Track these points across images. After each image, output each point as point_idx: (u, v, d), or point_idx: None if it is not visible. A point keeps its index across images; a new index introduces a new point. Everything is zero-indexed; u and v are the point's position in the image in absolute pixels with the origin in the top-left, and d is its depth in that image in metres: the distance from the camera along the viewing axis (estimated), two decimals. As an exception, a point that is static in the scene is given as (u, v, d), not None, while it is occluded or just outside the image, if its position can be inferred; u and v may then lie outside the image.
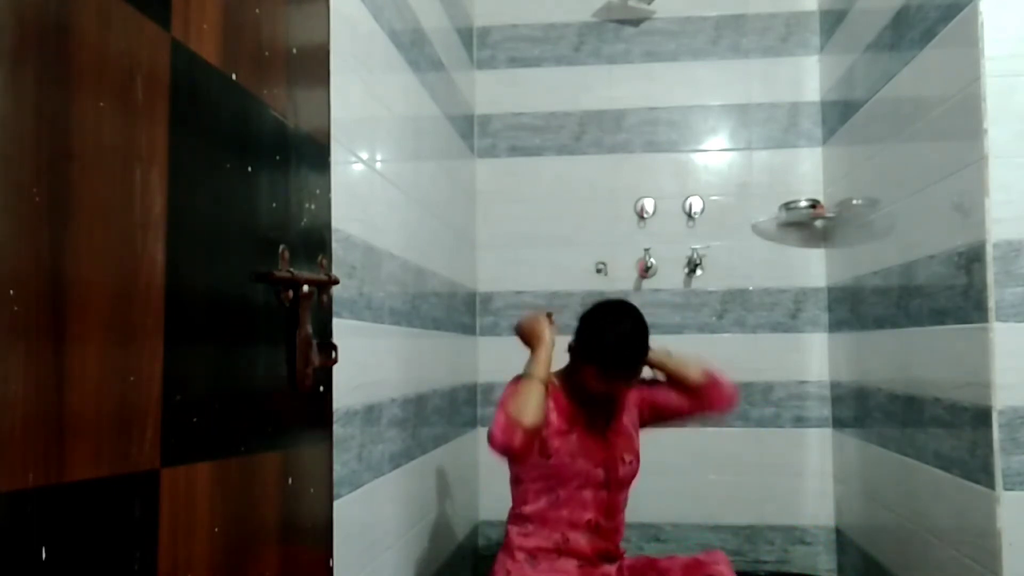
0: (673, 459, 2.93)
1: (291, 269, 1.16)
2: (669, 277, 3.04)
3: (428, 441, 2.25)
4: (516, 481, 1.92)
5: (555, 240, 3.09)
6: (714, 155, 3.09)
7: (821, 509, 2.94)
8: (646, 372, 1.95)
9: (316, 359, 1.21)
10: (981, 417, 1.68)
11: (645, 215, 3.07)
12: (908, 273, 2.13)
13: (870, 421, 2.49)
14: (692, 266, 3.00)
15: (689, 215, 3.05)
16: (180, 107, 0.91)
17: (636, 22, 3.13)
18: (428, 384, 2.28)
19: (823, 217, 2.87)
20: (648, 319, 1.93)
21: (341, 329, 1.48)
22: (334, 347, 1.30)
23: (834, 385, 2.92)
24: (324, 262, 1.32)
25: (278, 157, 1.17)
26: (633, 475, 1.94)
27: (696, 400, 1.95)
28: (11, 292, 0.66)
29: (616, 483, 1.91)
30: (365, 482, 1.66)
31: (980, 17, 1.69)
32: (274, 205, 1.14)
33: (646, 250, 3.02)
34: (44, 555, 0.69)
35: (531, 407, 1.73)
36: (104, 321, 0.78)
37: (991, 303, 1.65)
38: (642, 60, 3.12)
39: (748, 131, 3.07)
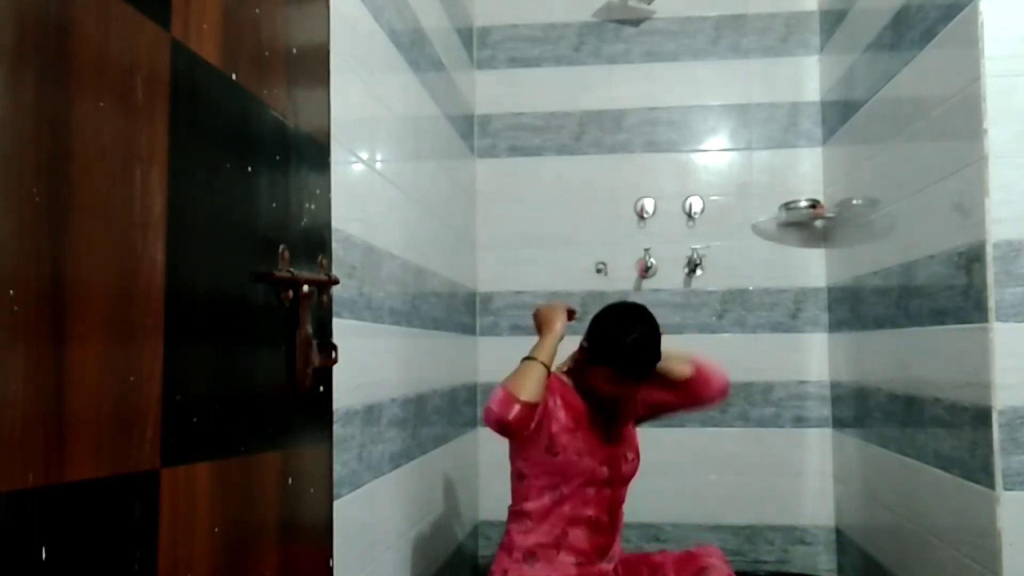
0: (673, 459, 2.93)
1: (291, 269, 1.16)
2: (669, 277, 3.04)
3: (428, 441, 2.25)
4: (519, 477, 1.92)
5: (555, 240, 3.09)
6: (714, 155, 3.09)
7: (821, 509, 2.94)
8: None
9: (316, 359, 1.21)
10: (981, 417, 1.68)
11: (645, 215, 3.07)
12: (908, 273, 2.13)
13: (870, 421, 2.49)
14: (692, 266, 3.00)
15: (689, 215, 3.05)
16: (180, 107, 0.91)
17: (636, 22, 3.13)
18: (428, 384, 2.28)
19: (823, 217, 2.87)
20: (649, 319, 1.93)
21: (341, 329, 1.48)
22: (334, 347, 1.30)
23: (834, 385, 2.92)
24: (324, 262, 1.32)
25: (278, 157, 1.17)
26: (634, 472, 1.95)
27: (685, 394, 1.94)
28: (11, 292, 0.66)
29: (619, 480, 1.92)
30: (365, 482, 1.66)
31: (980, 17, 1.69)
32: (274, 205, 1.14)
33: (646, 250, 3.02)
34: (44, 555, 0.69)
35: (530, 384, 1.76)
36: (104, 321, 0.78)
37: (991, 303, 1.65)
38: (642, 60, 3.12)
39: (748, 131, 3.07)
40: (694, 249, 3.00)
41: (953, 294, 1.83)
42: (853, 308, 2.65)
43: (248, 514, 1.06)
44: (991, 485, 1.64)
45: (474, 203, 3.11)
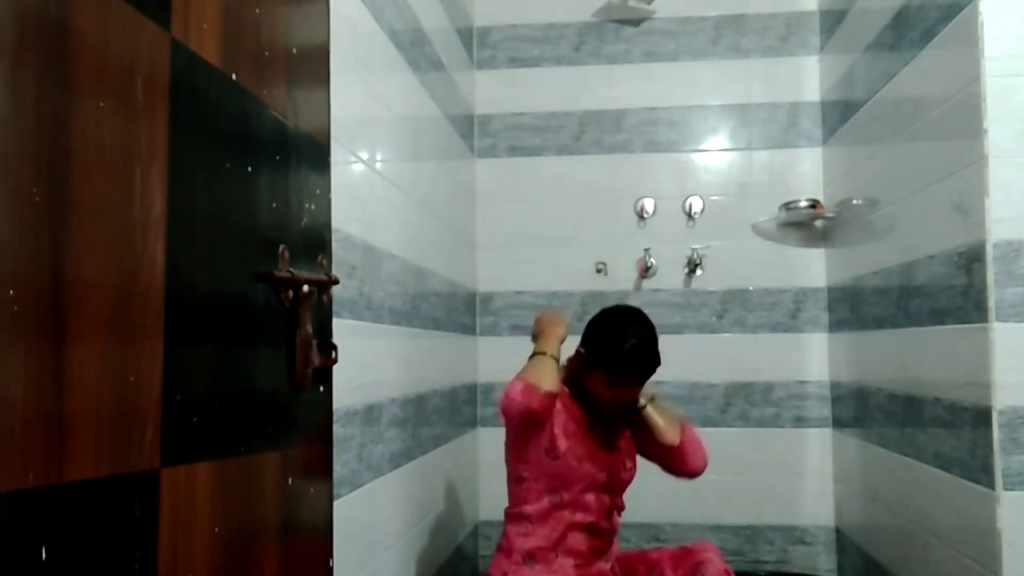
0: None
1: (291, 269, 1.16)
2: (669, 277, 3.04)
3: (428, 441, 2.25)
4: (518, 480, 1.92)
5: (555, 240, 3.09)
6: (714, 155, 3.09)
7: (821, 509, 2.94)
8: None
9: (316, 359, 1.21)
10: (981, 417, 1.68)
11: (645, 215, 3.07)
12: (908, 273, 2.13)
13: (870, 421, 2.49)
14: (692, 266, 3.00)
15: (689, 215, 3.05)
16: (180, 107, 0.91)
17: (636, 22, 3.13)
18: (428, 384, 2.28)
19: (823, 217, 2.87)
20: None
21: (341, 329, 1.48)
22: (334, 347, 1.30)
23: (834, 385, 2.92)
24: (324, 262, 1.32)
25: (278, 157, 1.17)
26: (632, 479, 1.96)
27: (662, 457, 1.95)
28: (11, 292, 0.66)
29: (618, 487, 1.93)
30: (365, 482, 1.66)
31: (980, 17, 1.69)
32: (274, 205, 1.14)
33: (646, 250, 3.02)
34: (44, 555, 0.69)
35: (547, 375, 1.81)
36: (104, 321, 0.78)
37: (991, 303, 1.65)
38: (642, 60, 3.12)
39: (748, 131, 3.07)
40: (694, 249, 3.00)
41: (953, 294, 1.83)
42: (853, 308, 2.65)
43: (248, 514, 1.06)
44: (991, 485, 1.64)
45: (474, 203, 3.11)
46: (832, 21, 2.88)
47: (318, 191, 1.32)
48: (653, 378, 1.93)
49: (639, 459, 1.99)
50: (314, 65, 1.35)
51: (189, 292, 0.92)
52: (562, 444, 1.84)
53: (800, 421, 2.97)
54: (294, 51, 1.25)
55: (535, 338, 1.97)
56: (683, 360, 2.86)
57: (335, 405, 1.42)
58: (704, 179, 3.08)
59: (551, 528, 1.86)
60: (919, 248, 2.04)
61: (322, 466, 1.33)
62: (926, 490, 2.02)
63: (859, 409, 2.61)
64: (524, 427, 1.83)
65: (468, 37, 3.08)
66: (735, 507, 2.97)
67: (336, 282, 1.30)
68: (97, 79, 0.77)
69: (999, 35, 1.68)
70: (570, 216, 3.09)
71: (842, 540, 2.87)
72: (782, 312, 3.00)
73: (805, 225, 2.94)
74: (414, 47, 2.19)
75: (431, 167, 2.40)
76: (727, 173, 3.07)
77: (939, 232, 1.91)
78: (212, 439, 0.97)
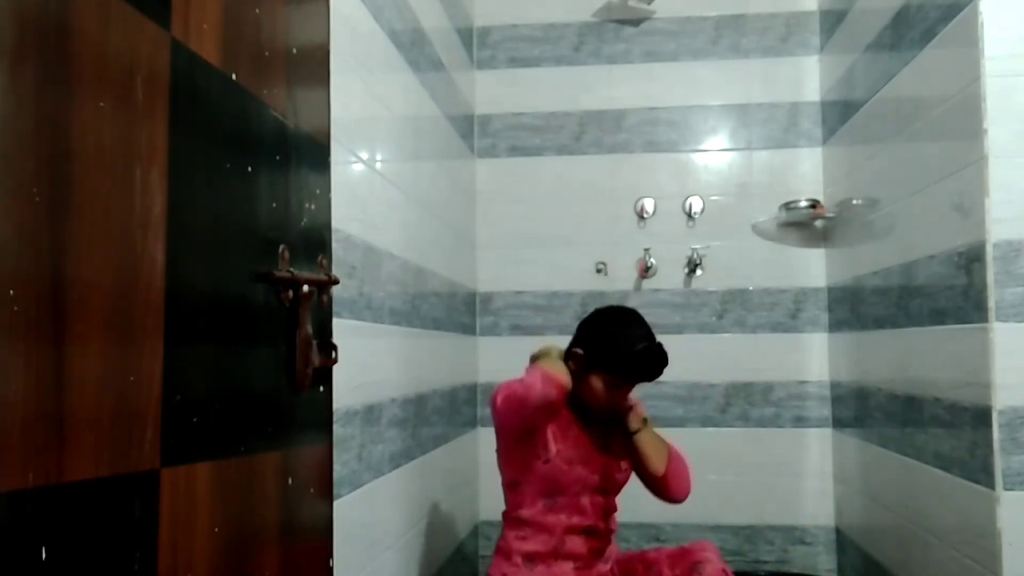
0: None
1: (291, 269, 1.16)
2: (669, 277, 3.04)
3: (428, 441, 2.25)
4: (512, 485, 1.93)
5: (555, 240, 3.09)
6: (714, 155, 3.09)
7: (821, 509, 2.94)
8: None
9: (316, 359, 1.21)
10: (981, 417, 1.68)
11: (645, 215, 3.07)
12: (908, 273, 2.13)
13: (870, 421, 2.49)
14: (692, 266, 3.00)
15: (689, 215, 3.05)
16: (180, 107, 0.91)
17: (636, 22, 3.13)
18: (428, 384, 2.28)
19: (823, 217, 2.87)
20: (648, 319, 1.94)
21: (341, 329, 1.48)
22: (334, 347, 1.30)
23: (834, 385, 2.92)
24: (324, 262, 1.32)
25: (278, 157, 1.17)
26: (626, 481, 1.97)
27: (644, 480, 1.97)
28: (11, 292, 0.66)
29: (613, 489, 1.93)
30: (365, 482, 1.65)
31: (980, 17, 1.69)
32: (274, 205, 1.14)
33: (646, 250, 3.02)
34: (44, 555, 0.69)
35: (563, 370, 1.82)
36: (104, 321, 0.78)
37: (991, 303, 1.65)
38: (642, 60, 3.12)
39: (748, 131, 3.07)
40: (694, 249, 3.00)
41: (953, 294, 1.83)
42: (853, 308, 2.65)
43: (248, 514, 1.06)
44: (991, 485, 1.64)
45: (474, 203, 3.11)
46: (832, 21, 2.88)
47: (318, 191, 1.32)
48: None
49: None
50: (314, 65, 1.35)
51: (189, 292, 0.92)
52: (552, 448, 1.84)
53: (800, 421, 2.97)
54: (294, 51, 1.25)
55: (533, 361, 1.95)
56: (683, 360, 2.84)
57: (335, 405, 1.41)
58: (704, 179, 3.08)
59: (548, 532, 1.86)
60: (919, 248, 2.04)
61: (322, 466, 1.33)
62: (926, 490, 2.02)
63: (859, 409, 2.61)
64: (540, 416, 1.81)
65: (468, 37, 3.08)
66: (735, 507, 2.97)
67: (336, 282, 1.30)
68: (97, 79, 0.77)
69: (999, 35, 1.68)
70: (570, 216, 3.09)
71: (842, 540, 2.87)
72: (782, 312, 3.00)
73: (805, 225, 2.94)
74: (414, 47, 2.19)
75: (431, 167, 2.40)
76: (727, 173, 3.07)
77: (939, 232, 1.91)
78: (212, 439, 0.97)
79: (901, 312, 2.19)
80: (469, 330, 2.96)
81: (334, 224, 1.41)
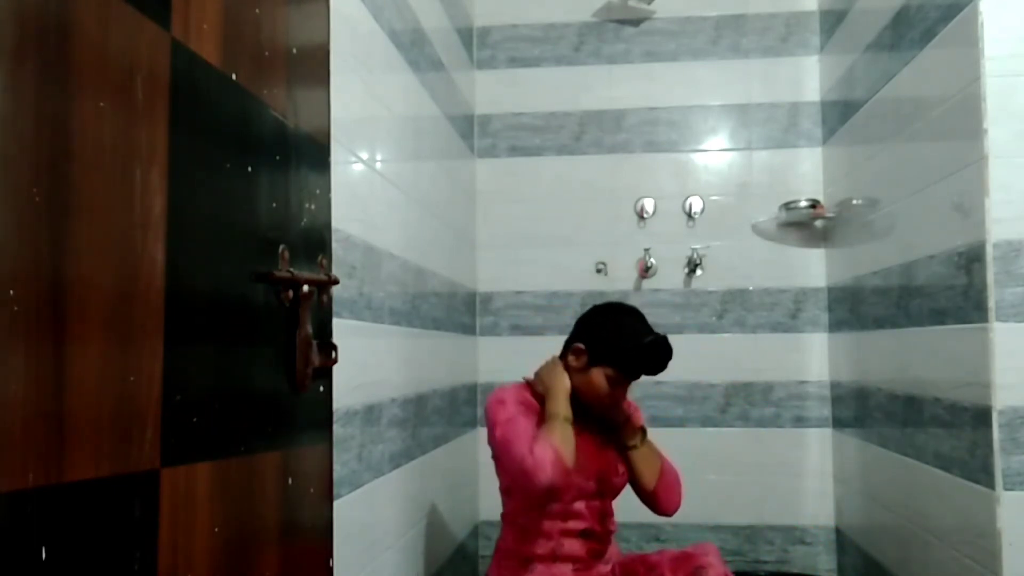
0: (673, 459, 2.91)
1: (291, 269, 1.16)
2: (669, 277, 3.04)
3: (428, 441, 2.25)
4: (508, 490, 1.93)
5: (555, 240, 3.09)
6: (714, 155, 3.09)
7: (821, 509, 2.94)
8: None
9: (316, 359, 1.21)
10: (981, 417, 1.68)
11: (645, 215, 3.07)
12: (908, 273, 2.13)
13: (870, 421, 2.49)
14: (692, 266, 3.00)
15: (689, 215, 3.05)
16: (180, 107, 0.91)
17: (636, 22, 3.13)
18: (428, 384, 2.28)
19: (823, 217, 2.87)
20: (648, 319, 1.94)
21: (341, 329, 1.48)
22: (334, 347, 1.30)
23: (834, 385, 2.92)
24: (324, 262, 1.32)
25: (278, 157, 1.17)
26: (624, 485, 1.96)
27: (636, 491, 1.97)
28: (11, 292, 0.66)
29: (610, 492, 1.93)
30: (365, 482, 1.65)
31: (980, 17, 1.69)
32: (274, 205, 1.14)
33: (646, 250, 3.02)
34: (44, 555, 0.69)
35: (570, 448, 1.76)
36: (104, 321, 0.78)
37: (991, 303, 1.65)
38: (642, 60, 3.12)
39: (748, 131, 3.07)
40: (694, 249, 3.00)
41: (953, 294, 1.83)
42: (853, 308, 2.65)
43: (248, 514, 1.06)
44: (991, 485, 1.64)
45: (474, 203, 3.11)
46: (832, 21, 2.88)
47: (318, 191, 1.32)
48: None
49: None
50: (314, 65, 1.35)
51: (189, 292, 0.92)
52: None
53: (800, 421, 2.97)
54: (294, 51, 1.25)
55: (539, 379, 1.93)
56: (683, 360, 2.81)
57: (335, 405, 1.42)
58: (704, 179, 3.08)
59: (546, 536, 1.86)
60: (919, 248, 2.04)
61: (322, 466, 1.33)
62: (926, 490, 2.02)
63: (859, 409, 2.61)
64: (544, 499, 1.80)
65: (468, 37, 3.08)
66: (735, 507, 2.97)
67: (336, 282, 1.30)
68: (97, 79, 0.77)
69: (999, 35, 1.68)
70: (570, 216, 3.09)
71: (842, 540, 2.87)
72: (782, 312, 3.00)
73: (805, 225, 2.94)
74: (414, 47, 2.19)
75: (431, 167, 2.40)
76: (727, 173, 3.07)
77: (939, 232, 1.91)
78: (212, 439, 0.97)
79: (901, 312, 2.19)
80: (469, 330, 2.96)
81: (334, 224, 1.41)
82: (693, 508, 2.98)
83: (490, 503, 2.97)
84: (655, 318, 1.91)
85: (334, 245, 1.42)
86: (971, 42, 1.71)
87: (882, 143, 2.35)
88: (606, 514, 1.92)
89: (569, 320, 2.95)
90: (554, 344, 2.03)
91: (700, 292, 3.03)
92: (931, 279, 1.96)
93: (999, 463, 1.63)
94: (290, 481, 1.18)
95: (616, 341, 1.83)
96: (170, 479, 0.87)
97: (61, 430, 0.71)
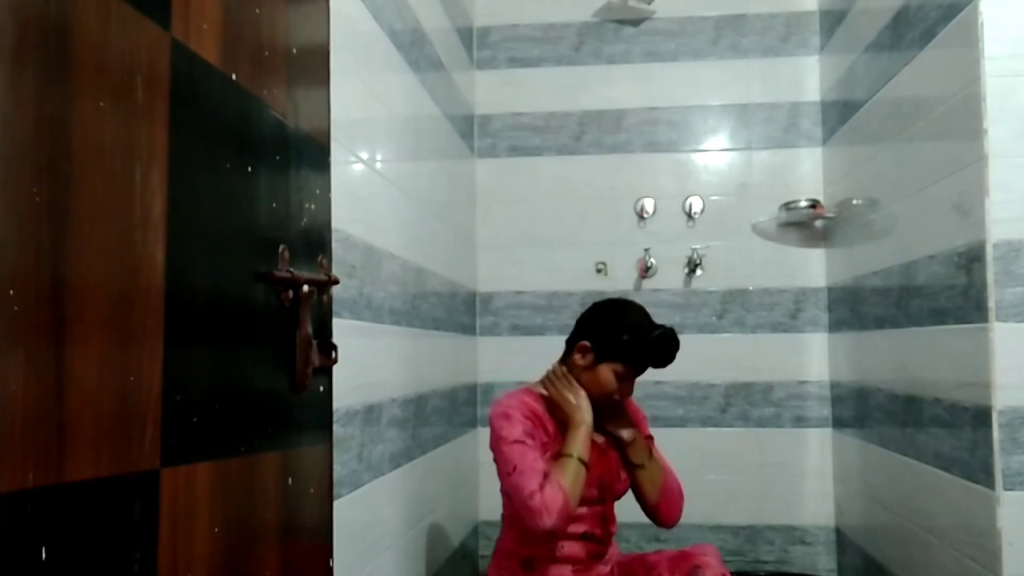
0: (673, 459, 2.90)
1: (291, 269, 1.16)
2: (669, 277, 3.04)
3: (428, 441, 2.25)
4: (508, 493, 1.92)
5: (555, 240, 3.09)
6: (714, 155, 3.09)
7: (821, 509, 2.94)
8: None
9: (316, 359, 1.21)
10: (981, 417, 1.68)
11: (645, 215, 3.07)
12: (908, 273, 2.13)
13: (870, 421, 2.49)
14: (692, 266, 3.00)
15: (689, 215, 3.05)
16: (180, 107, 0.91)
17: (636, 22, 3.13)
18: (428, 384, 2.28)
19: (823, 217, 2.87)
20: (649, 318, 1.94)
21: (341, 329, 1.48)
22: (334, 347, 1.30)
23: (834, 385, 2.92)
24: (324, 262, 1.32)
25: (278, 157, 1.17)
26: (626, 491, 1.96)
27: (637, 499, 1.97)
28: (11, 292, 0.66)
29: (611, 497, 1.92)
30: (365, 482, 1.66)
31: (980, 17, 1.69)
32: (274, 205, 1.14)
33: (646, 250, 3.02)
34: (44, 555, 0.69)
35: (579, 491, 1.74)
36: (104, 321, 0.78)
37: (991, 303, 1.65)
38: (642, 60, 3.12)
39: (748, 131, 3.07)
40: (694, 249, 3.00)
41: (953, 294, 1.83)
42: (853, 308, 2.65)
43: (248, 514, 1.06)
44: (991, 485, 1.64)
45: (474, 203, 3.11)
46: (832, 21, 2.88)
47: (318, 191, 1.32)
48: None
49: None
50: (314, 65, 1.35)
51: (189, 292, 0.92)
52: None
53: (800, 421, 2.97)
54: (294, 51, 1.25)
55: (555, 403, 1.88)
56: (683, 360, 2.81)
57: (335, 405, 1.42)
58: (704, 179, 3.08)
59: (546, 540, 1.86)
60: (919, 248, 2.04)
61: (322, 466, 1.33)
62: (926, 490, 2.02)
63: (859, 409, 2.61)
64: (542, 536, 1.76)
65: (468, 37, 3.08)
66: (735, 507, 2.97)
67: (336, 282, 1.30)
68: (97, 79, 0.77)
69: (999, 35, 1.68)
70: (570, 216, 3.09)
71: (842, 540, 2.87)
72: (782, 312, 3.00)
73: (805, 225, 2.94)
74: (414, 47, 2.19)
75: (431, 167, 2.40)
76: (727, 173, 3.07)
77: (939, 232, 1.91)
78: (212, 439, 0.97)
79: (901, 312, 2.19)
80: (469, 330, 2.96)
81: (334, 224, 1.41)
82: (693, 508, 2.97)
83: (490, 503, 2.97)
84: (655, 318, 1.90)
85: (334, 245, 1.42)
86: (971, 42, 1.71)
87: (882, 143, 2.35)
88: (607, 518, 1.92)
89: (569, 320, 2.96)
90: (554, 344, 2.03)
91: (700, 292, 3.03)
92: (931, 279, 1.96)
93: (999, 463, 1.63)
94: (290, 481, 1.18)
95: (623, 336, 1.83)
96: (170, 479, 0.87)
97: (61, 430, 0.71)
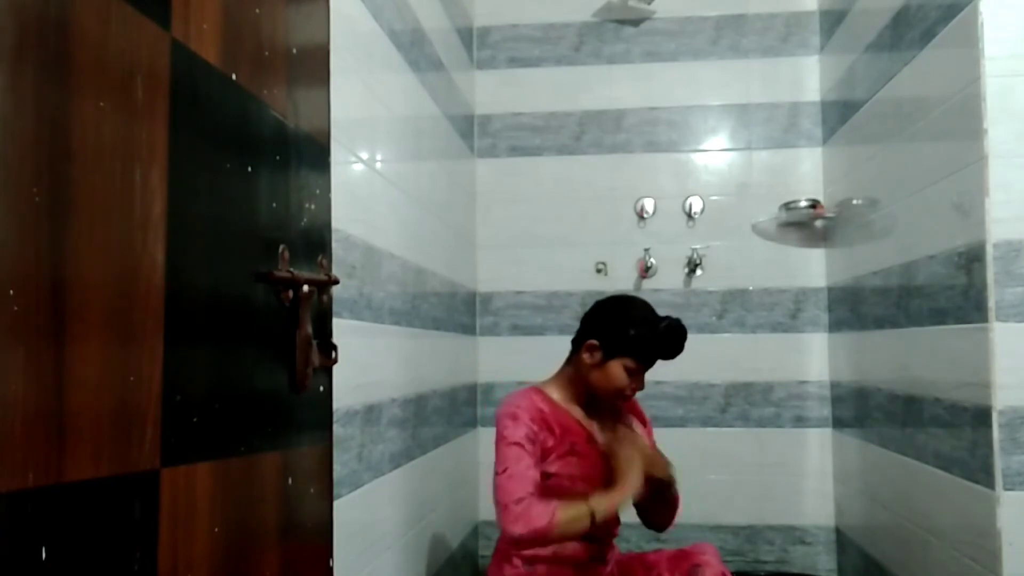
0: (673, 459, 2.92)
1: (291, 269, 1.16)
2: (669, 277, 3.04)
3: (428, 441, 2.25)
4: None
5: (555, 240, 3.09)
6: (714, 155, 3.09)
7: (821, 509, 2.94)
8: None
9: (316, 359, 1.21)
10: (981, 417, 1.68)
11: (645, 215, 3.07)
12: (908, 273, 2.13)
13: (870, 421, 2.49)
14: (692, 266, 3.00)
15: (689, 215, 3.05)
16: (180, 107, 0.91)
17: (636, 22, 3.13)
18: (428, 384, 2.28)
19: (823, 217, 2.87)
20: (648, 319, 1.94)
21: (341, 329, 1.48)
22: (334, 347, 1.30)
23: (834, 385, 2.92)
24: (324, 262, 1.32)
25: (278, 157, 1.17)
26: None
27: (639, 510, 1.96)
28: (11, 292, 0.66)
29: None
30: (365, 482, 1.66)
31: (980, 17, 1.69)
32: (274, 205, 1.14)
33: (646, 250, 3.02)
34: (44, 555, 0.69)
35: (565, 535, 1.73)
36: (104, 321, 0.78)
37: (991, 303, 1.65)
38: (642, 60, 3.12)
39: (748, 131, 3.07)
40: (694, 249, 3.00)
41: (953, 294, 1.83)
42: (853, 308, 2.65)
43: (248, 514, 1.06)
44: (991, 485, 1.64)
45: (474, 203, 3.11)
46: (832, 21, 2.88)
47: (318, 191, 1.32)
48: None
49: None
50: (314, 65, 1.35)
51: (189, 292, 0.92)
52: (555, 467, 1.82)
53: (800, 421, 2.97)
54: (294, 51, 1.25)
55: (613, 451, 1.84)
56: (683, 360, 2.83)
57: (335, 405, 1.42)
58: (704, 179, 3.08)
59: None
60: (919, 248, 2.04)
61: (322, 466, 1.33)
62: (926, 490, 2.02)
63: (859, 409, 2.61)
64: (520, 543, 1.76)
65: (468, 37, 3.08)
66: (735, 507, 2.97)
67: (336, 282, 1.30)
68: (97, 79, 0.77)
69: (999, 35, 1.68)
70: (570, 216, 3.09)
71: (842, 540, 2.87)
72: (782, 312, 3.00)
73: (805, 225, 2.94)
74: (414, 47, 2.19)
75: (431, 167, 2.40)
76: (727, 173, 3.07)
77: (939, 232, 1.91)
78: (212, 439, 0.97)
79: (901, 312, 2.19)
80: (469, 330, 2.96)
81: (334, 224, 1.41)
82: (693, 508, 2.98)
83: (490, 503, 2.95)
84: (655, 318, 1.91)
85: (334, 245, 1.42)
86: (971, 42, 1.71)
87: (882, 143, 2.35)
88: (611, 520, 1.91)
89: (569, 320, 2.97)
90: (554, 344, 2.03)
91: (700, 292, 3.03)
92: (931, 279, 1.96)
93: (999, 463, 1.63)
94: (290, 481, 1.18)
95: (630, 330, 1.83)
96: (170, 479, 0.87)
97: (61, 430, 0.71)
